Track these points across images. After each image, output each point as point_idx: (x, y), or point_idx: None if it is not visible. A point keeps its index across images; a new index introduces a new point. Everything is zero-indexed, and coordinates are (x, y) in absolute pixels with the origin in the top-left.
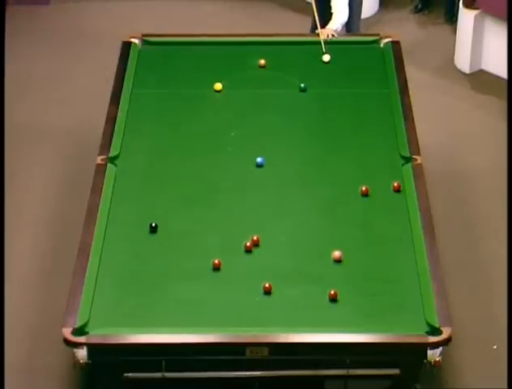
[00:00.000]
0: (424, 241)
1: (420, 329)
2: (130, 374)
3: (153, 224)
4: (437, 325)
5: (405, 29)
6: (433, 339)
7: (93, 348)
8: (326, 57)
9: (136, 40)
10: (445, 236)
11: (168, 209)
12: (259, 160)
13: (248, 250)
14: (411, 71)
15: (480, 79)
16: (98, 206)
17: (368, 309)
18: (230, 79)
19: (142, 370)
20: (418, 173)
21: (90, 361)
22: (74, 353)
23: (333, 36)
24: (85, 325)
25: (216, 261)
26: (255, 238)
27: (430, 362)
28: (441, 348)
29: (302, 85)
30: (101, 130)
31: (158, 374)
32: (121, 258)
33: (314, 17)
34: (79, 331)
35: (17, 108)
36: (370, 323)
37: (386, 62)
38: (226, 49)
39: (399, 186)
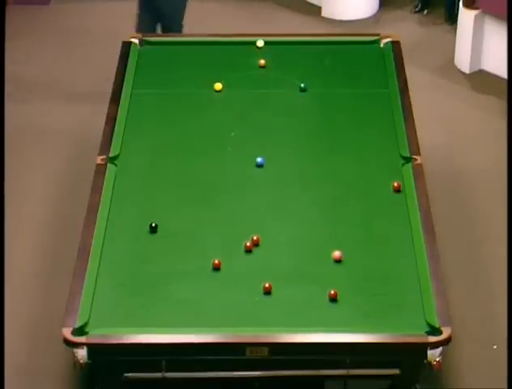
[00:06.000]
0: (424, 241)
1: (420, 329)
2: (130, 374)
3: (153, 224)
4: (437, 325)
5: (405, 29)
6: (433, 339)
7: (93, 348)
8: (260, 43)
9: (136, 40)
10: (445, 236)
11: (168, 209)
12: (259, 160)
13: (248, 250)
14: (411, 71)
15: (480, 79)
16: (98, 206)
17: (368, 309)
18: (230, 79)
19: (142, 370)
20: (418, 173)
21: (90, 361)
22: (74, 353)
23: None
24: (85, 325)
25: (216, 261)
26: (255, 238)
27: (430, 363)
28: (441, 348)
29: (302, 85)
30: (101, 130)
31: (158, 374)
32: (121, 258)
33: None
34: (79, 331)
35: (17, 108)
36: (370, 323)
37: (386, 62)
38: (226, 49)
39: (399, 186)
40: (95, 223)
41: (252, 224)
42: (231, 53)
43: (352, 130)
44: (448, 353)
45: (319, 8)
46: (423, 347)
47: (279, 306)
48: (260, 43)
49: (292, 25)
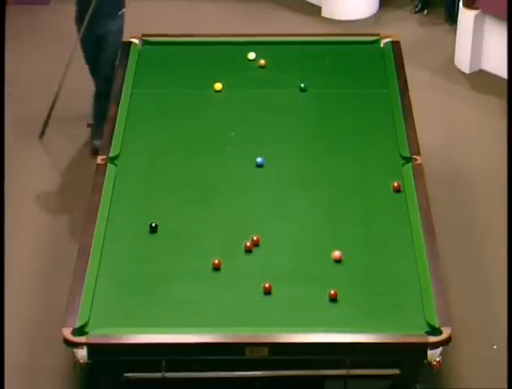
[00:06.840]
0: (424, 241)
1: (420, 329)
2: (130, 374)
3: (153, 224)
4: (437, 325)
5: (405, 29)
6: (432, 339)
7: (93, 348)
8: (252, 55)
9: (136, 41)
10: (445, 236)
11: (168, 209)
12: (259, 160)
13: (248, 250)
14: (411, 71)
15: (480, 79)
16: (98, 206)
17: (368, 309)
18: (230, 79)
19: (142, 370)
20: (418, 173)
21: (90, 361)
22: (74, 353)
23: None
24: (85, 325)
25: (216, 261)
26: (255, 238)
27: (430, 363)
28: (441, 348)
29: (302, 85)
30: None
31: (158, 374)
32: (121, 258)
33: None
34: (79, 331)
35: (17, 108)
36: (370, 323)
37: (386, 62)
38: (226, 49)
39: (399, 186)
40: (95, 223)
41: (252, 224)
42: (231, 53)
43: (352, 130)
44: (448, 353)
45: (319, 8)
46: (423, 347)
47: (279, 306)
48: (251, 55)
49: (292, 25)
